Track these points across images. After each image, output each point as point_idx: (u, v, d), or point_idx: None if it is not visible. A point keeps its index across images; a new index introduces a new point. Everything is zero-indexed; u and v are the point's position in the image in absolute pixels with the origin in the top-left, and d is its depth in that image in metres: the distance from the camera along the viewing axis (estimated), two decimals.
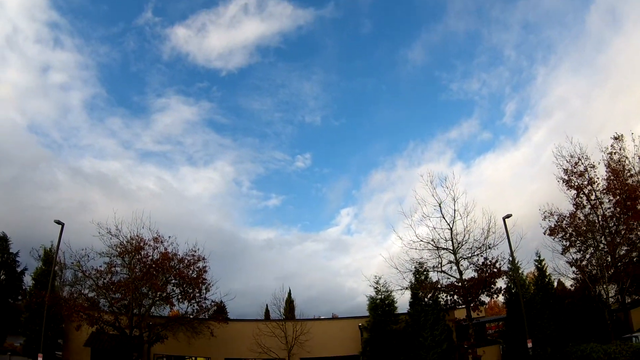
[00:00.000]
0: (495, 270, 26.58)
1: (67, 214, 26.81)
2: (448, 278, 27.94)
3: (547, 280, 30.28)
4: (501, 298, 31.02)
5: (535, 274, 30.70)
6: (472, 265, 27.32)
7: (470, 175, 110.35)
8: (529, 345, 26.84)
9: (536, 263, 30.65)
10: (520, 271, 29.63)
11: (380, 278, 29.33)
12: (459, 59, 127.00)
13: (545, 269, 30.45)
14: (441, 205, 27.73)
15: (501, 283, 27.91)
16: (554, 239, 29.96)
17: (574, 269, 29.92)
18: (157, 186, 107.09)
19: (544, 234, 29.96)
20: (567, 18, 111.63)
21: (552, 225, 29.88)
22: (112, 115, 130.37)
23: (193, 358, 31.08)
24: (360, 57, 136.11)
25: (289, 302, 35.02)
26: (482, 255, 26.87)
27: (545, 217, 30.01)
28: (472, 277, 27.15)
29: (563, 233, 29.97)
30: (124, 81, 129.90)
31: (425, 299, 28.28)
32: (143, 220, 28.54)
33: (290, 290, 41.54)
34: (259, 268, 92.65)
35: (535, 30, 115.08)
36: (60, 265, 30.06)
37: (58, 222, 29.01)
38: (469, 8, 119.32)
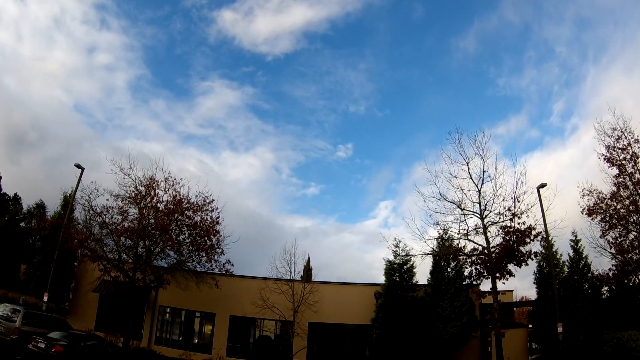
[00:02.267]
0: (527, 229, 24.08)
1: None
2: (474, 247, 25.82)
3: (583, 262, 27.83)
4: (531, 279, 28.49)
5: (571, 254, 28.25)
6: (500, 231, 25.03)
7: (516, 173, 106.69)
8: (559, 329, 24.43)
9: (572, 243, 28.27)
10: (554, 249, 27.38)
11: (400, 241, 27.43)
12: (508, 53, 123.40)
13: (582, 250, 28.03)
14: (469, 164, 25.76)
15: (534, 247, 25.23)
16: (592, 220, 27.53)
17: (613, 250, 27.26)
18: (197, 169, 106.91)
19: (582, 212, 27.48)
20: (622, 14, 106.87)
21: (591, 205, 27.48)
22: (155, 97, 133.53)
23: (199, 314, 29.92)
24: (410, 43, 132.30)
25: (307, 270, 33.31)
26: (511, 211, 24.48)
27: (583, 194, 27.64)
28: (499, 243, 24.89)
29: (603, 215, 27.53)
30: (168, 63, 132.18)
31: (449, 269, 26.27)
32: (157, 162, 27.97)
33: (309, 257, 39.40)
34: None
35: (589, 27, 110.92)
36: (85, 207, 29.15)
37: (78, 166, 28.88)
38: None
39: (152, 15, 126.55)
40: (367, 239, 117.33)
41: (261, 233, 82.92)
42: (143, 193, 26.95)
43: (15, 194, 53.44)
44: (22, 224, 39.45)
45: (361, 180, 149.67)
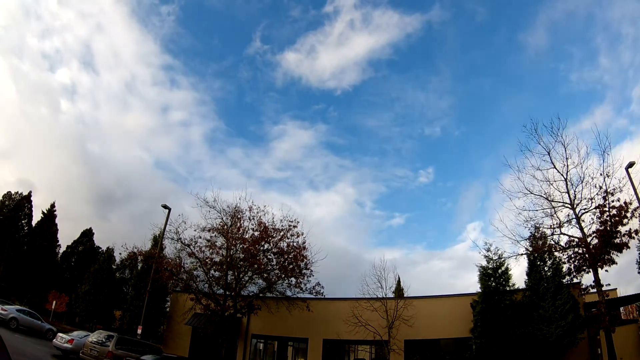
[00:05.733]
0: (622, 206, 22.76)
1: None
2: (569, 239, 24.81)
3: None
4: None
5: None
6: (595, 217, 23.91)
7: (601, 146, 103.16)
8: None
9: None
10: None
11: (491, 245, 26.69)
12: (575, 45, 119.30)
13: None
14: (550, 152, 25.08)
15: (633, 226, 23.67)
16: None
17: None
18: (280, 212, 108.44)
19: None
20: None
21: None
22: (232, 146, 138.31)
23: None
24: (478, 48, 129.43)
25: (399, 290, 32.79)
26: (602, 189, 23.22)
27: None
28: (595, 229, 23.78)
29: None
30: (240, 112, 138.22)
31: (545, 268, 25.30)
32: (240, 194, 28.97)
33: (399, 277, 38.63)
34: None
35: None
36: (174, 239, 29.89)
37: (165, 207, 30.38)
38: None
39: (218, 68, 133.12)
40: (457, 264, 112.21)
41: (349, 270, 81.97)
42: (229, 224, 27.86)
43: (108, 247, 56.81)
44: (116, 274, 41.43)
45: (446, 204, 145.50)
